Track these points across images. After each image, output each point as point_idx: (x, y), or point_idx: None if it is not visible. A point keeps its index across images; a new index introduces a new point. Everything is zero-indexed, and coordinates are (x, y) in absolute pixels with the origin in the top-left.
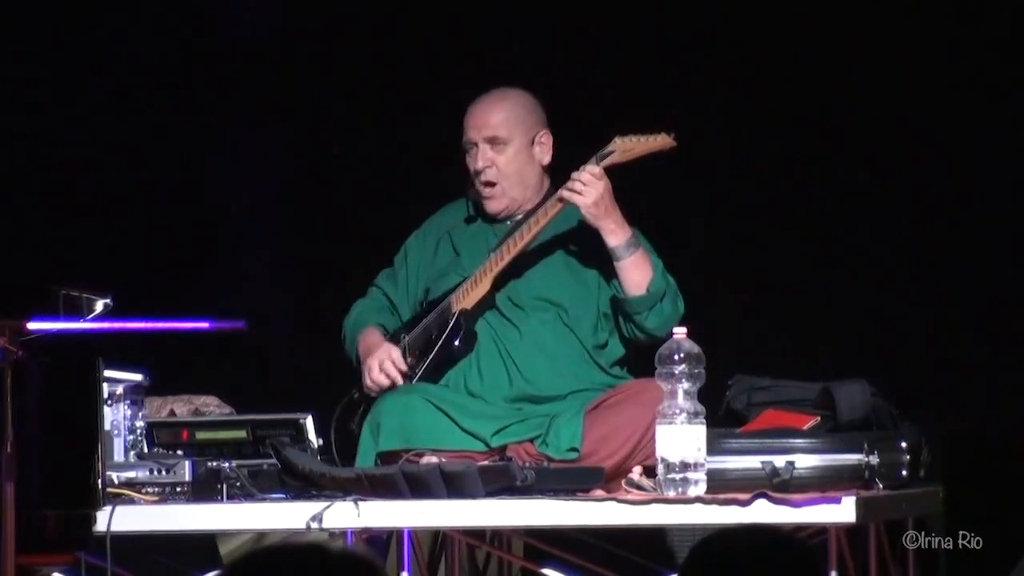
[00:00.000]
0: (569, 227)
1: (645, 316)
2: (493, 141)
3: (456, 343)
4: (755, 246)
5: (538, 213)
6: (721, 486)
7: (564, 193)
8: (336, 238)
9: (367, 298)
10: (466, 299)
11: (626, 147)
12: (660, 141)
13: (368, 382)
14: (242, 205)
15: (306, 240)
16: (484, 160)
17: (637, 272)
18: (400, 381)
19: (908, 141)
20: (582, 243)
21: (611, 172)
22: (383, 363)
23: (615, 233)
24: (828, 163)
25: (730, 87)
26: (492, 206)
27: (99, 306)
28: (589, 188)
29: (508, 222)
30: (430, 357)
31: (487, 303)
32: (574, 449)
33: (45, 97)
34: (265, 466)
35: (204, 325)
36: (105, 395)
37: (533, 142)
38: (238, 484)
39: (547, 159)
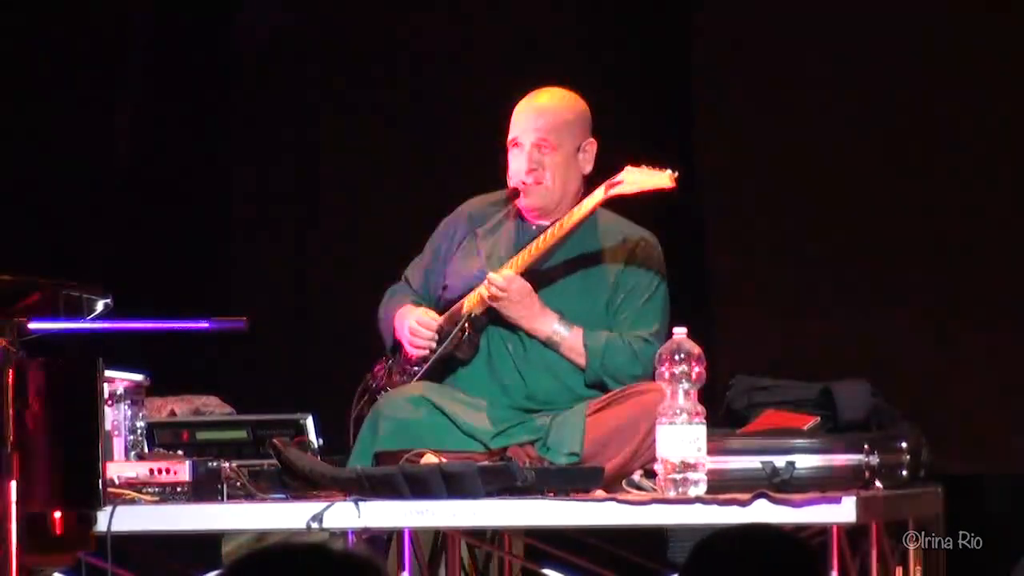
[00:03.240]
0: (592, 245)
1: (603, 390)
2: (542, 145)
3: (459, 348)
4: (757, 247)
5: (552, 228)
6: (721, 486)
7: (484, 297)
8: (336, 238)
9: (398, 284)
10: (476, 305)
11: (633, 179)
12: (663, 182)
13: (409, 349)
14: (242, 205)
15: (307, 240)
16: (532, 162)
17: (572, 357)
18: (427, 333)
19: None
20: (599, 262)
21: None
22: (410, 326)
23: (535, 331)
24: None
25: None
26: (530, 201)
27: (99, 306)
28: (504, 295)
29: (534, 227)
30: (434, 357)
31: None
32: (574, 454)
33: (45, 97)
34: (265, 466)
35: (204, 325)
36: (105, 395)
37: (579, 150)
38: (238, 484)
39: (589, 168)
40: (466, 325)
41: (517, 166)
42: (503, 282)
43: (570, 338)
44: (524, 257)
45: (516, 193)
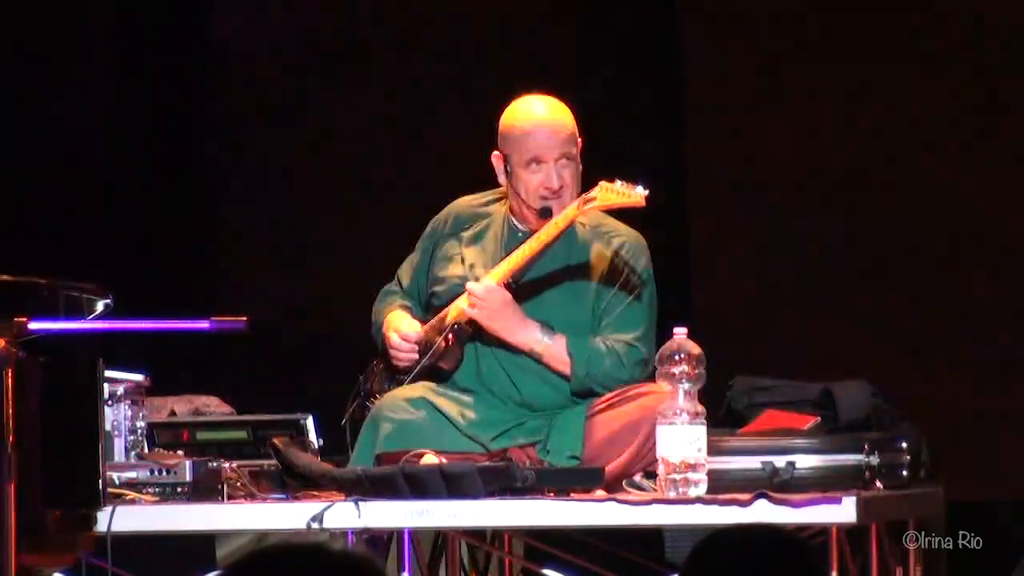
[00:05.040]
0: (574, 249)
1: (590, 397)
2: (566, 157)
3: (442, 359)
4: (758, 247)
5: (530, 241)
6: (721, 486)
7: (464, 308)
8: (336, 238)
9: (390, 284)
10: (460, 315)
11: (605, 197)
12: (635, 199)
13: (393, 360)
14: (242, 206)
15: (307, 240)
16: (560, 179)
17: (557, 367)
18: (407, 346)
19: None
20: (582, 268)
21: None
22: (391, 340)
23: (518, 343)
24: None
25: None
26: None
27: (99, 306)
28: (483, 304)
29: (520, 234)
30: (419, 367)
31: None
32: (575, 456)
33: (44, 97)
34: (265, 466)
35: (204, 325)
36: (106, 395)
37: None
38: (238, 484)
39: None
40: (449, 336)
41: (540, 183)
42: (482, 292)
43: (553, 347)
44: (505, 268)
45: (548, 211)
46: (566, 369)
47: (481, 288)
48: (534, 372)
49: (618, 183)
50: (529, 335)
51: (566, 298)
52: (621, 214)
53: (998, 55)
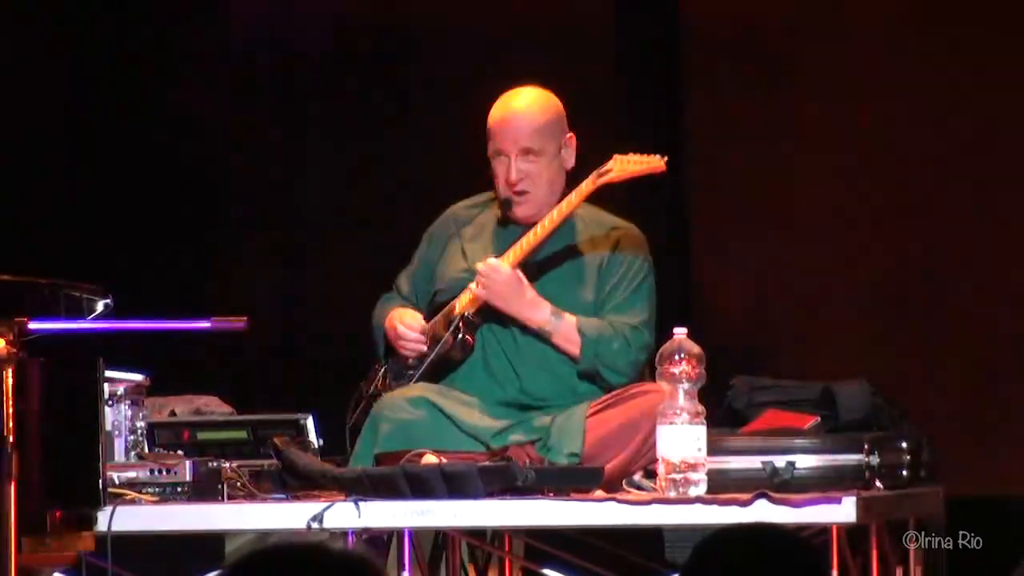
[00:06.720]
0: (575, 238)
1: (595, 380)
2: (527, 152)
3: (453, 349)
4: (759, 247)
5: (543, 222)
6: (721, 486)
7: (474, 292)
8: (337, 238)
9: (389, 293)
10: (469, 304)
11: (622, 167)
12: (654, 164)
13: (402, 352)
14: (243, 205)
15: (307, 240)
16: (518, 172)
17: (566, 346)
18: (413, 335)
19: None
20: (583, 254)
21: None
22: (396, 329)
23: (528, 320)
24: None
25: None
26: (521, 212)
27: (99, 306)
28: (488, 282)
29: (513, 226)
30: (429, 359)
31: (491, 309)
32: (575, 454)
33: (43, 96)
34: (265, 466)
35: (204, 325)
36: (106, 395)
37: (560, 148)
38: (238, 484)
39: (571, 163)
40: (459, 326)
41: (504, 176)
42: (489, 270)
43: (563, 327)
44: (516, 252)
45: (509, 203)
46: (575, 349)
47: (489, 268)
48: (536, 361)
49: (632, 155)
50: (539, 313)
51: (567, 284)
52: (618, 210)
53: None
